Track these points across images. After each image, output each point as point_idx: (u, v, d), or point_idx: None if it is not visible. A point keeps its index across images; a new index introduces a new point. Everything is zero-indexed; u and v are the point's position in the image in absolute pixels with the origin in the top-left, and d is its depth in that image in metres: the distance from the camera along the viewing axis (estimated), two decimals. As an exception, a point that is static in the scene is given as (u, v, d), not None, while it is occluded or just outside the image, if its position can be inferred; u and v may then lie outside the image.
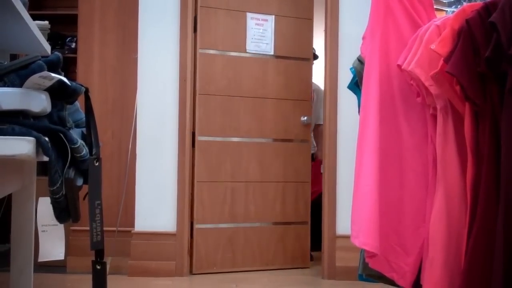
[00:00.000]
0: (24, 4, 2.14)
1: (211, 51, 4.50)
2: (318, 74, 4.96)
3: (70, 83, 1.36)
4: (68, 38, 5.49)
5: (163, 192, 4.28)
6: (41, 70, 1.25)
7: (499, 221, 1.77)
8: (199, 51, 4.42)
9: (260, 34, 4.67)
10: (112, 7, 4.49)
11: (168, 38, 4.33)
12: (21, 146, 1.17)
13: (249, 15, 4.65)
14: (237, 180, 4.53)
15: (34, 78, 1.22)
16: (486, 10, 1.90)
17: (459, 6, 2.34)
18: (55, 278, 4.08)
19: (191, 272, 4.33)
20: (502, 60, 1.79)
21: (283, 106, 4.69)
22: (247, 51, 4.63)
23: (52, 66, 1.31)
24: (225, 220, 4.48)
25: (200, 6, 4.42)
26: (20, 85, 1.24)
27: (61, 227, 1.65)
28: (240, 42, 4.60)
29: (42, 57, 1.34)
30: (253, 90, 4.61)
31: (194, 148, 4.39)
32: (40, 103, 1.26)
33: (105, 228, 3.82)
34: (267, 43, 4.68)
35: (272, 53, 4.70)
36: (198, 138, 4.40)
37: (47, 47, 2.57)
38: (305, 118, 4.72)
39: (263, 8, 4.68)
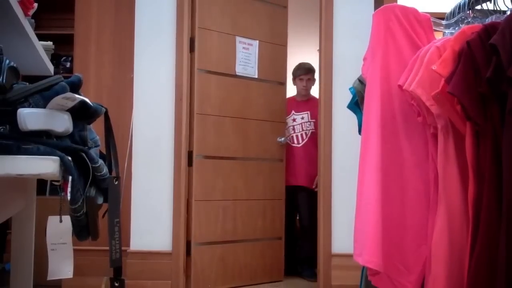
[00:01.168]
0: (31, 24, 2.17)
1: (207, 71, 4.58)
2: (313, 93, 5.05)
3: (92, 103, 1.39)
4: (63, 58, 5.52)
5: (158, 211, 4.29)
6: (64, 91, 1.28)
7: (501, 238, 1.79)
8: (197, 70, 4.48)
9: (246, 57, 4.86)
10: (108, 27, 4.52)
11: (164, 58, 4.37)
12: (47, 165, 1.19)
13: (237, 38, 4.82)
14: (227, 199, 4.63)
15: (58, 99, 1.25)
16: (486, 32, 1.94)
17: (456, 28, 2.39)
18: (50, 298, 4.05)
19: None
20: (503, 81, 1.83)
21: (263, 127, 4.91)
22: (236, 73, 4.79)
23: (74, 87, 1.34)
24: (218, 238, 4.55)
25: (198, 28, 4.48)
26: (44, 106, 1.27)
27: (69, 246, 1.66)
28: (230, 64, 4.74)
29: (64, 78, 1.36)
30: (240, 111, 4.77)
31: (192, 167, 4.42)
32: (63, 123, 1.28)
33: (100, 248, 3.83)
34: (252, 67, 4.88)
35: (256, 76, 4.91)
36: (196, 157, 4.44)
37: (51, 67, 2.60)
38: (282, 139, 5.02)
39: (249, 32, 4.87)
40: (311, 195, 5.14)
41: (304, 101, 5.40)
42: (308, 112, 5.30)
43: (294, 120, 5.30)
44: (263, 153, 4.89)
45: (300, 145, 5.23)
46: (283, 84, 5.12)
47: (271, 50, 5.00)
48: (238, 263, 4.63)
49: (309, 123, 5.27)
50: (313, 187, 5.11)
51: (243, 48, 4.85)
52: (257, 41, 4.94)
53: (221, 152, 4.61)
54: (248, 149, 4.80)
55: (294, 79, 5.45)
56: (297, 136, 5.26)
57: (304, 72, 5.36)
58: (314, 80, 5.40)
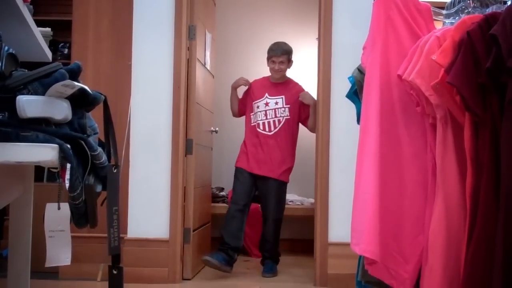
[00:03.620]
0: (29, 10, 2.16)
1: (199, 61, 4.67)
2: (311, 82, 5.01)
3: (91, 91, 1.39)
4: (61, 44, 5.50)
5: (156, 198, 4.29)
6: (63, 78, 1.28)
7: (499, 229, 1.80)
8: (197, 58, 4.55)
9: (208, 50, 5.06)
10: (106, 14, 4.50)
11: (162, 45, 4.35)
12: (46, 153, 1.19)
13: (206, 31, 4.97)
14: (200, 186, 4.80)
15: (57, 87, 1.24)
16: (486, 22, 1.94)
17: (457, 18, 2.38)
18: (47, 284, 4.06)
19: (183, 278, 4.34)
20: (502, 72, 1.83)
21: (210, 117, 5.27)
22: (206, 65, 4.99)
23: (73, 75, 1.34)
24: (199, 223, 4.70)
25: (198, 18, 4.54)
26: (43, 93, 1.26)
27: (67, 233, 1.66)
28: (203, 56, 4.89)
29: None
30: (205, 101, 4.98)
31: (192, 155, 4.46)
32: (62, 111, 1.28)
33: (97, 234, 3.83)
34: (206, 57, 5.05)
35: (209, 68, 5.12)
36: (196, 145, 4.53)
37: (49, 53, 2.59)
38: (216, 128, 5.27)
39: (207, 25, 5.04)
40: (280, 188, 4.84)
41: (280, 84, 4.91)
42: (283, 96, 4.83)
43: (267, 104, 4.82)
44: (210, 142, 5.16)
45: (272, 133, 4.78)
46: (213, 77, 5.42)
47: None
48: (206, 245, 4.91)
49: (283, 109, 4.81)
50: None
51: (207, 42, 5.02)
52: (210, 35, 5.14)
53: (203, 141, 4.89)
54: (208, 138, 5.11)
55: (267, 60, 4.92)
56: (269, 122, 4.79)
57: (276, 53, 4.84)
58: (290, 62, 4.92)
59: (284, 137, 4.79)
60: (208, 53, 5.06)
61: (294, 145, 4.88)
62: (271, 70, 4.88)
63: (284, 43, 4.92)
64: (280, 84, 4.90)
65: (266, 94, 4.84)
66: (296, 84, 4.99)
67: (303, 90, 4.91)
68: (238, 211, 4.68)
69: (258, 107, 4.83)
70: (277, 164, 4.77)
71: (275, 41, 4.97)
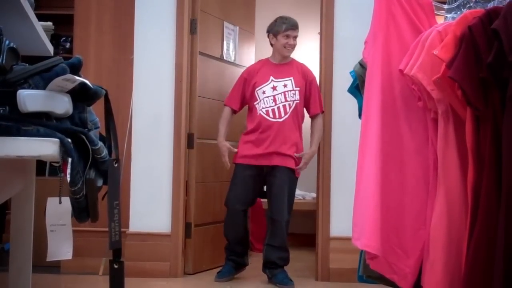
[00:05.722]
0: (30, 5, 2.16)
1: (206, 55, 4.61)
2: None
3: (92, 85, 1.39)
4: (63, 38, 5.50)
5: (158, 193, 4.29)
6: (64, 73, 1.28)
7: (500, 224, 1.80)
8: (199, 53, 4.49)
9: (229, 42, 4.89)
10: (108, 8, 4.49)
11: (164, 40, 4.35)
12: (46, 147, 1.19)
13: (225, 23, 4.83)
14: (217, 180, 4.62)
15: (58, 81, 1.24)
16: (488, 17, 1.94)
17: (458, 13, 2.38)
18: (49, 279, 4.07)
19: (185, 273, 4.35)
20: (504, 67, 1.83)
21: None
22: (225, 58, 4.82)
23: (74, 69, 1.34)
24: (211, 220, 4.57)
25: (200, 10, 4.49)
26: (44, 87, 1.27)
27: (69, 227, 1.66)
28: (218, 49, 4.77)
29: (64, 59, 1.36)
30: (219, 94, 4.67)
31: (193, 149, 4.44)
32: (63, 105, 1.28)
33: (98, 229, 3.83)
34: (232, 51, 4.93)
35: (233, 60, 4.92)
36: (197, 140, 4.46)
37: (50, 48, 2.59)
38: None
39: (232, 18, 4.89)
40: (292, 179, 4.27)
41: (284, 65, 4.34)
42: (292, 78, 4.26)
43: (274, 88, 4.23)
44: (235, 136, 4.49)
45: (282, 119, 4.19)
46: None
47: (242, 36, 5.06)
48: (219, 243, 4.39)
49: (293, 92, 4.23)
50: (298, 167, 4.21)
51: (228, 33, 4.85)
52: (237, 28, 4.96)
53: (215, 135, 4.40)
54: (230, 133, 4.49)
55: (274, 35, 4.29)
56: (278, 108, 4.21)
57: (291, 26, 4.26)
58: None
59: (293, 123, 4.24)
60: (230, 46, 4.86)
61: (301, 131, 4.33)
62: (283, 46, 4.28)
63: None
64: (284, 65, 4.35)
65: (271, 78, 4.27)
66: (302, 64, 4.44)
67: (309, 70, 4.40)
68: (244, 216, 4.30)
69: (264, 92, 4.25)
70: (287, 153, 4.19)
71: (279, 16, 4.42)
